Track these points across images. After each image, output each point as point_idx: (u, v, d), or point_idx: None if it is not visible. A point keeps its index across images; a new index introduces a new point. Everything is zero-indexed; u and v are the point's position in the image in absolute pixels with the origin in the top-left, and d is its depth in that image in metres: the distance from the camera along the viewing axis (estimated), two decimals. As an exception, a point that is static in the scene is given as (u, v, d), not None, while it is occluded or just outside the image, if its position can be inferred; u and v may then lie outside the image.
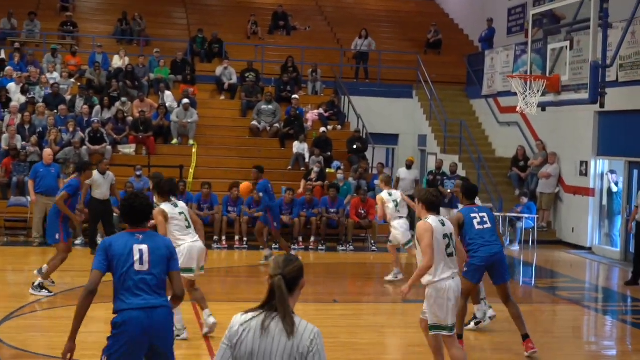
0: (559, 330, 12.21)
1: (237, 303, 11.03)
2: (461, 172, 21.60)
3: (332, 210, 18.93)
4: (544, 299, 14.39)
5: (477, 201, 10.48)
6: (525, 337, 9.49)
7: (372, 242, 18.86)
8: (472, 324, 10.58)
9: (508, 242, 19.77)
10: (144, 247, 5.82)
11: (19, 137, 19.88)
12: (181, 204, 9.89)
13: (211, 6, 31.27)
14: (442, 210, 21.05)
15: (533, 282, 16.11)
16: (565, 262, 18.35)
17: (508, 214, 19.82)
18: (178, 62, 24.76)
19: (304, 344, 4.18)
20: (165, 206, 9.54)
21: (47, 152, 17.87)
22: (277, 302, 4.20)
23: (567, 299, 14.26)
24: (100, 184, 16.45)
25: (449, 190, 20.62)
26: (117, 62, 24.34)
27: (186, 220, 9.69)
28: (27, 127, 20.39)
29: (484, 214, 9.70)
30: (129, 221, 6.05)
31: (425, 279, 7.63)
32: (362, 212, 18.96)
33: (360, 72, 27.09)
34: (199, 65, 25.90)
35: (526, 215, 19.72)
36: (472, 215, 9.61)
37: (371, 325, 11.50)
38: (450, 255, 7.61)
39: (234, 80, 24.78)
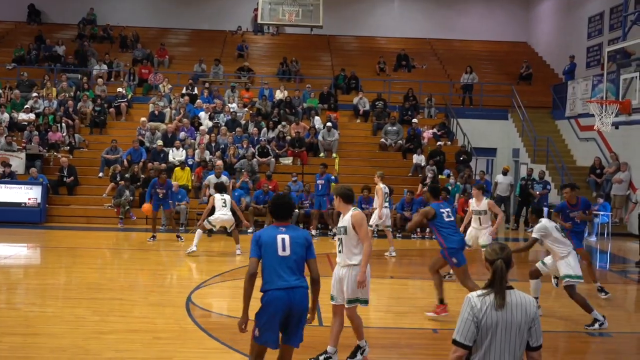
0: (629, 306, 11.62)
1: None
2: (548, 179, 20.95)
3: (444, 208, 18.65)
4: (617, 280, 13.72)
5: None
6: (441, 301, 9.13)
7: (475, 233, 18.49)
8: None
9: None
10: (286, 237, 5.59)
11: (207, 152, 20.58)
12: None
13: (350, 51, 31.46)
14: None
15: (607, 266, 15.38)
16: (635, 251, 17.39)
17: (587, 212, 19.06)
18: (324, 94, 25.03)
19: (532, 311, 4.19)
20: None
21: (219, 163, 18.71)
22: (496, 280, 4.15)
23: (635, 280, 13.61)
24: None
25: (537, 193, 20.03)
26: (279, 95, 24.83)
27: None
28: (213, 144, 21.06)
29: (449, 209, 9.35)
30: (276, 216, 5.82)
31: (356, 259, 6.88)
32: (467, 209, 18.60)
33: (465, 100, 26.65)
34: (340, 96, 26.10)
35: (602, 213, 18.96)
36: (441, 210, 9.19)
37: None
38: None
39: (367, 107, 24.84)
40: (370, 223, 14.88)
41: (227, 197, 14.43)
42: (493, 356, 4.11)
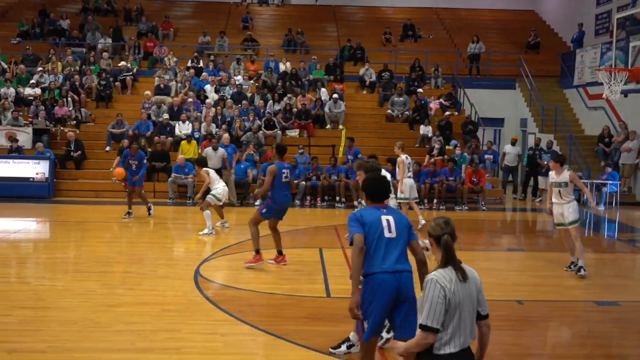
0: (637, 275, 11.62)
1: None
2: (556, 148, 20.86)
3: (451, 178, 18.65)
4: (625, 249, 13.71)
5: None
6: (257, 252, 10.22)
7: (483, 203, 18.49)
8: None
9: (595, 203, 19.00)
10: (390, 218, 5.17)
11: (213, 125, 20.54)
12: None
13: (355, 21, 31.21)
14: (540, 178, 20.68)
15: (616, 236, 15.36)
16: (644, 220, 17.43)
17: (595, 181, 19.01)
18: (330, 66, 24.88)
19: (479, 281, 4.24)
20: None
21: (225, 136, 18.66)
22: (449, 256, 4.13)
23: (644, 249, 13.55)
24: (212, 157, 16.97)
25: (545, 162, 19.95)
26: (283, 67, 24.69)
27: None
28: (219, 117, 21.02)
29: (288, 171, 10.26)
30: (372, 197, 5.35)
31: None
32: (475, 179, 18.61)
33: (473, 70, 26.46)
34: (347, 67, 25.94)
35: (610, 182, 18.90)
36: (283, 170, 10.11)
37: (482, 269, 11.23)
38: None
39: (373, 78, 24.70)
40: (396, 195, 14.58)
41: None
42: (461, 332, 4.10)
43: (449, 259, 4.14)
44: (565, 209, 10.46)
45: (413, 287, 5.13)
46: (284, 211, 10.33)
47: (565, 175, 10.41)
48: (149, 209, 15.43)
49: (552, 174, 10.66)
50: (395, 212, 5.31)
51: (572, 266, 10.53)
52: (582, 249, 10.34)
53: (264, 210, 10.15)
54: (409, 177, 14.56)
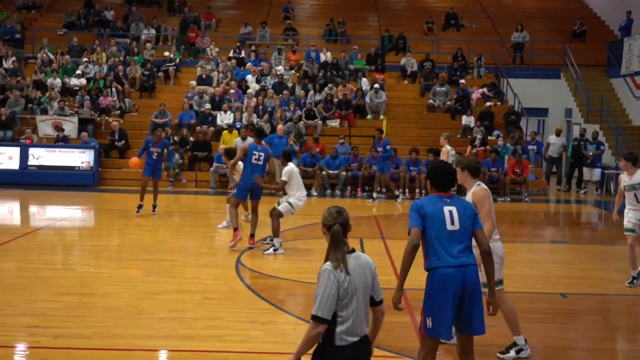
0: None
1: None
2: (602, 139, 20.43)
3: (493, 169, 18.44)
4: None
5: None
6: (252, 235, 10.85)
7: (526, 194, 18.23)
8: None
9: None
10: (453, 209, 4.97)
11: (254, 115, 20.63)
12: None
13: (397, 10, 30.95)
14: (585, 169, 20.25)
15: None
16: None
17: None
18: (372, 55, 24.73)
19: (373, 268, 4.19)
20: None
21: (280, 127, 18.60)
22: (335, 246, 4.05)
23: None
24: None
25: (590, 153, 19.58)
26: (323, 57, 24.62)
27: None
28: (260, 107, 21.09)
29: (263, 154, 10.71)
30: (437, 186, 5.13)
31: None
32: (518, 170, 18.36)
33: (516, 59, 26.05)
34: (388, 57, 25.76)
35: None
36: (254, 152, 10.66)
37: (525, 261, 11.12)
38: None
39: (415, 68, 24.48)
40: None
41: None
42: (359, 320, 4.06)
43: (334, 249, 4.06)
44: None
45: (479, 280, 4.98)
46: (255, 191, 10.82)
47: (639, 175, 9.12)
48: (154, 206, 14.64)
49: (623, 176, 9.35)
50: (459, 202, 5.10)
51: (634, 282, 9.20)
52: None
53: (235, 191, 11.01)
54: None
